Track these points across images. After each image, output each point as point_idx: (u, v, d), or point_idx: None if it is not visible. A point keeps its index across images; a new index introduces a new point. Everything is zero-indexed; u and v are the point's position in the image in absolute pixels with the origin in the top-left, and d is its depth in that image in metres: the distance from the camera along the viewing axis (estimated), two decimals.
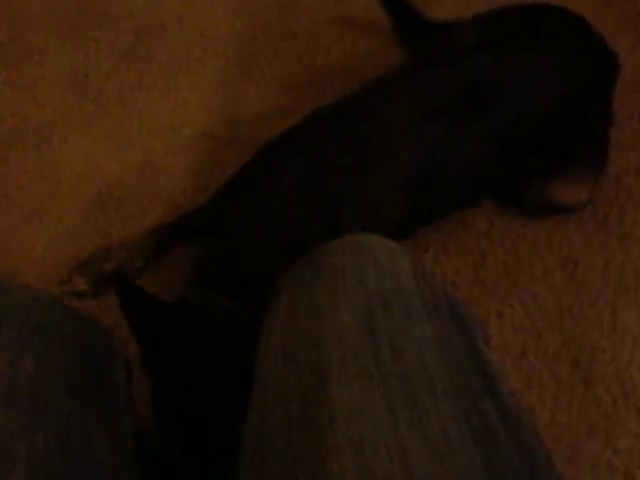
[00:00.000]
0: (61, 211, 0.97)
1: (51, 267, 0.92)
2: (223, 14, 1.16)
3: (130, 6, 1.17)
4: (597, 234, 0.89)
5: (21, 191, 1.00)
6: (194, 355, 0.64)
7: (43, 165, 1.02)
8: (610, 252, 0.88)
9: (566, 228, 0.90)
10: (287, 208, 0.77)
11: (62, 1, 1.19)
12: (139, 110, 1.07)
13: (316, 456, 0.36)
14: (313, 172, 0.78)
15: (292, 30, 1.12)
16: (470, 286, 0.88)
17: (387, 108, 0.80)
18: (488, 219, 0.92)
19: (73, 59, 1.12)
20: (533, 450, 0.37)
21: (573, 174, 0.86)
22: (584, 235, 0.89)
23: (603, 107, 0.86)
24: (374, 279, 0.44)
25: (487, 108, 0.80)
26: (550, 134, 0.83)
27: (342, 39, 1.11)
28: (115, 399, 0.51)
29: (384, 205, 0.80)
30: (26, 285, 0.51)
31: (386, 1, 1.03)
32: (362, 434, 0.36)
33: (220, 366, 0.63)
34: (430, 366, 0.39)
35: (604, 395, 0.80)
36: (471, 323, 0.45)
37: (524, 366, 0.82)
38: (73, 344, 0.49)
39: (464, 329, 0.44)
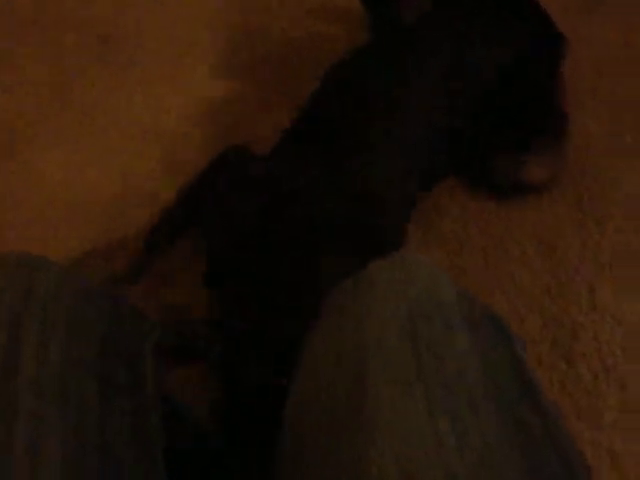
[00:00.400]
0: (44, 219, 0.98)
1: None
2: (201, 16, 1.17)
3: (108, 10, 1.18)
4: (571, 215, 0.90)
5: (3, 199, 1.01)
6: None
7: (25, 173, 1.03)
8: (586, 232, 0.89)
9: (540, 210, 0.91)
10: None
11: (39, 9, 1.20)
12: (120, 116, 1.08)
13: (356, 461, 0.37)
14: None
15: (269, 29, 1.14)
16: (451, 275, 0.89)
17: (373, 93, 0.82)
18: (462, 206, 0.93)
19: (52, 66, 1.13)
20: (570, 455, 0.38)
21: (537, 152, 0.87)
22: (558, 218, 0.90)
23: (556, 83, 0.87)
24: (416, 293, 0.45)
25: (458, 80, 0.82)
26: (510, 108, 0.84)
27: (319, 35, 1.12)
28: (142, 392, 0.49)
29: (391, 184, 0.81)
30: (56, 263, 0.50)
31: None
32: (403, 441, 0.36)
33: None
34: (471, 375, 0.40)
35: (585, 373, 0.81)
36: (511, 335, 0.46)
37: None
38: (103, 328, 0.48)
39: (504, 341, 0.44)
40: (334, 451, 0.38)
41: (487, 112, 0.84)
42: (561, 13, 0.90)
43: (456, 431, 0.36)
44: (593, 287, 0.86)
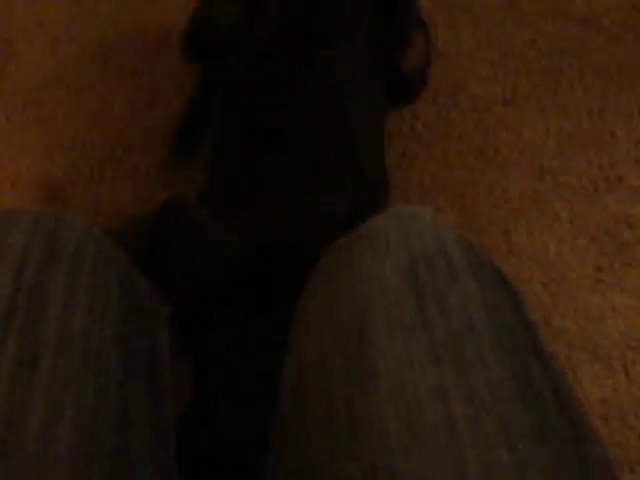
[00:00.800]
0: None
1: None
2: (72, 24, 1.12)
3: None
4: (477, 166, 0.92)
5: None
6: None
7: None
8: (492, 180, 0.91)
9: (448, 166, 0.92)
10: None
11: None
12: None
13: (357, 407, 0.35)
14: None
15: (144, 38, 1.10)
16: None
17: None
18: None
19: None
20: (573, 410, 0.37)
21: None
22: (466, 169, 0.92)
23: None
24: (418, 243, 0.43)
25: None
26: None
27: None
28: (157, 355, 0.48)
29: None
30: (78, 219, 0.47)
31: None
32: (404, 385, 0.35)
33: None
34: (475, 320, 0.39)
35: None
36: (515, 288, 0.45)
37: None
38: (122, 288, 0.46)
39: (510, 293, 0.43)
40: (335, 401, 0.37)
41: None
42: None
43: (462, 382, 0.35)
44: (508, 232, 0.88)
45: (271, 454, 0.43)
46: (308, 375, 0.41)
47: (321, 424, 0.38)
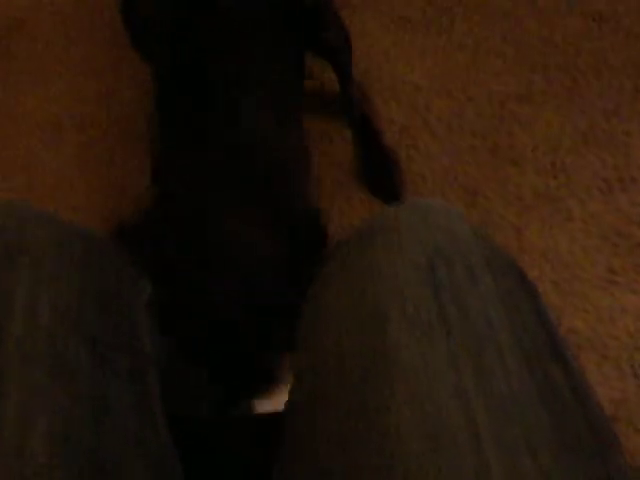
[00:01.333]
0: None
1: None
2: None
3: None
4: (490, 161, 0.91)
5: None
6: None
7: None
8: (506, 175, 0.90)
9: (461, 161, 0.91)
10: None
11: None
12: (11, 111, 1.01)
13: (373, 409, 0.35)
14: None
15: None
16: None
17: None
18: None
19: None
20: (597, 417, 0.36)
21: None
22: (479, 165, 0.91)
23: None
24: (432, 238, 0.42)
25: None
26: None
27: None
28: (138, 350, 0.45)
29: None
30: (47, 212, 0.45)
31: None
32: (422, 387, 0.34)
33: None
34: (495, 320, 0.38)
35: None
36: (530, 281, 0.43)
37: None
38: (96, 282, 0.44)
39: (527, 290, 0.42)
40: (351, 402, 0.36)
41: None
42: None
43: (482, 387, 0.34)
44: (520, 229, 0.87)
45: (283, 454, 0.42)
46: (325, 378, 0.40)
47: (336, 428, 0.37)
